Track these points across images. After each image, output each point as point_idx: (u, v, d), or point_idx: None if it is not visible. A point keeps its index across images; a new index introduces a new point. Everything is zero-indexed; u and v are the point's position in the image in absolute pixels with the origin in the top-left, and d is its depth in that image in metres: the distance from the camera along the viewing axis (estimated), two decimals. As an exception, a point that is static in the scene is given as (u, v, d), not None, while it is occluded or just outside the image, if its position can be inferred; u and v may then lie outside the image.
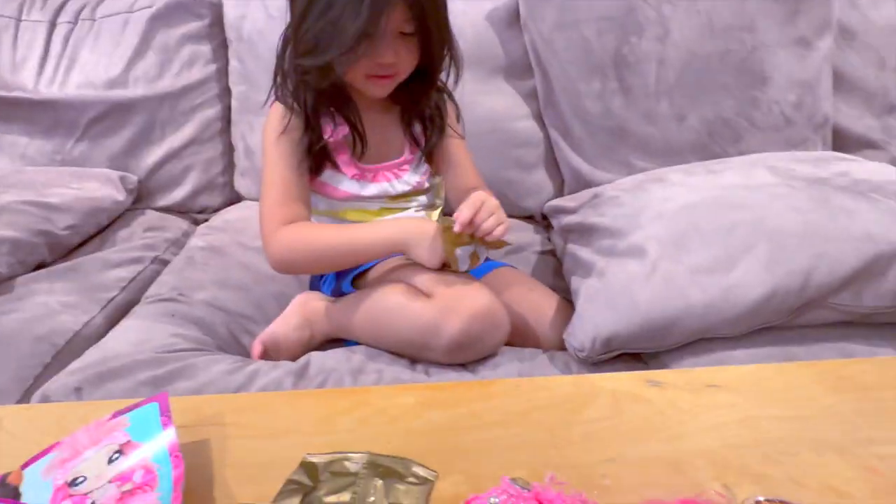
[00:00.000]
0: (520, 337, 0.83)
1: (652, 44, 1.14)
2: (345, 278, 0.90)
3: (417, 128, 0.93)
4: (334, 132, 0.87)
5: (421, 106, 0.91)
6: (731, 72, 1.14)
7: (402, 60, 0.81)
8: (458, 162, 0.96)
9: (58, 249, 1.04)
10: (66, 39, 1.24)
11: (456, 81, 0.89)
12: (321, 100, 0.84)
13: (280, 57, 0.83)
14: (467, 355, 0.75)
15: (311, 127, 0.84)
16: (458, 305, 0.73)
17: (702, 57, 1.14)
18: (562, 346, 0.80)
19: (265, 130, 0.88)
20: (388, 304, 0.78)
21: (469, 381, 0.71)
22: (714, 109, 1.15)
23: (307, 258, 0.82)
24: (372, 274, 0.89)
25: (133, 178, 1.22)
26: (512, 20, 1.20)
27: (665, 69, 1.15)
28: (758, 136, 1.15)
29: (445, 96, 0.94)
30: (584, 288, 0.81)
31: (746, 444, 0.53)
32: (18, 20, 1.25)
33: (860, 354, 0.72)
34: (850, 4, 1.23)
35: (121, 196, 1.17)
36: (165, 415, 0.52)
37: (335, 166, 0.88)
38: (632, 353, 0.77)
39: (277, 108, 0.87)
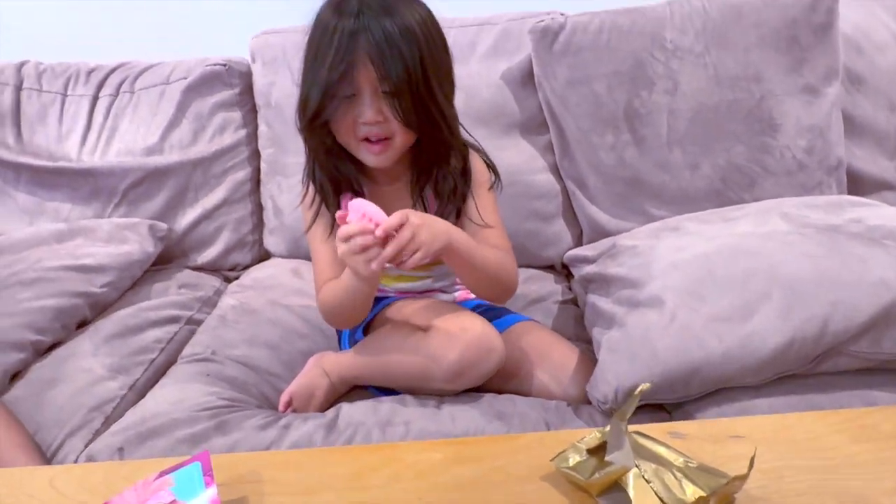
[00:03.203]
0: (547, 389, 0.85)
1: (662, 96, 1.18)
2: (358, 328, 0.95)
3: (429, 199, 0.90)
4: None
5: (425, 173, 0.88)
6: (740, 120, 1.17)
7: (391, 122, 0.80)
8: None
9: (98, 307, 1.10)
10: (108, 111, 1.32)
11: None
12: (334, 175, 0.87)
13: None
14: (467, 381, 0.80)
15: (325, 200, 0.88)
16: (454, 335, 0.79)
17: (711, 107, 1.18)
18: (585, 401, 0.82)
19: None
20: (390, 343, 0.84)
21: (495, 434, 0.73)
22: (726, 157, 1.18)
23: (333, 312, 0.89)
24: (378, 318, 0.94)
25: (162, 226, 1.26)
26: (525, 79, 1.26)
27: (676, 120, 1.18)
28: (771, 181, 1.18)
29: (476, 165, 0.91)
30: (605, 339, 0.82)
31: (770, 496, 0.54)
32: (65, 95, 1.34)
33: (883, 402, 0.72)
34: (857, 51, 1.26)
35: (151, 246, 1.22)
36: (208, 474, 0.55)
37: None
38: (655, 403, 0.78)
39: (307, 181, 0.93)
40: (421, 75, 0.78)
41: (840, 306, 0.72)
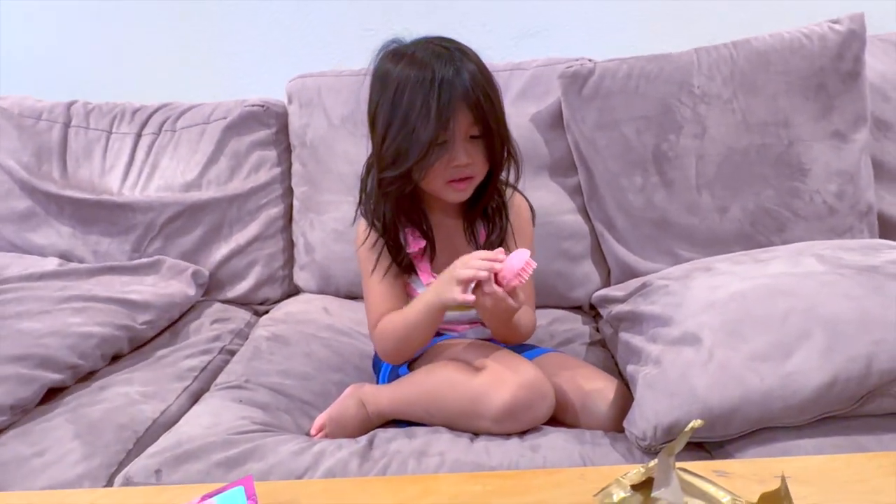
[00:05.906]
0: (579, 417, 0.85)
1: (690, 140, 1.20)
2: (401, 364, 0.95)
3: (480, 231, 0.98)
4: (413, 244, 0.95)
5: (481, 203, 0.96)
6: (769, 164, 1.18)
7: (475, 162, 0.88)
8: None
9: (135, 342, 1.12)
10: (150, 148, 1.37)
11: (517, 178, 0.97)
12: (398, 213, 0.93)
13: (363, 180, 0.94)
14: (516, 424, 0.79)
15: (389, 240, 0.94)
16: (507, 376, 0.79)
17: (739, 151, 1.19)
18: (621, 428, 0.82)
19: (356, 244, 0.98)
20: (439, 378, 0.84)
21: (534, 469, 0.72)
22: (755, 200, 1.18)
23: (395, 344, 0.91)
24: (424, 356, 0.95)
25: (204, 273, 1.30)
26: (555, 122, 1.29)
27: (704, 163, 1.20)
28: (801, 224, 1.18)
29: (511, 199, 0.99)
30: (641, 376, 0.82)
31: (822, 536, 0.53)
32: (110, 133, 1.39)
33: (932, 444, 0.71)
34: (883, 99, 1.28)
35: (192, 291, 1.25)
36: (252, 498, 0.55)
37: (416, 273, 0.96)
38: (695, 442, 0.77)
39: (362, 223, 0.97)
40: (502, 118, 0.88)
41: (884, 346, 0.71)
